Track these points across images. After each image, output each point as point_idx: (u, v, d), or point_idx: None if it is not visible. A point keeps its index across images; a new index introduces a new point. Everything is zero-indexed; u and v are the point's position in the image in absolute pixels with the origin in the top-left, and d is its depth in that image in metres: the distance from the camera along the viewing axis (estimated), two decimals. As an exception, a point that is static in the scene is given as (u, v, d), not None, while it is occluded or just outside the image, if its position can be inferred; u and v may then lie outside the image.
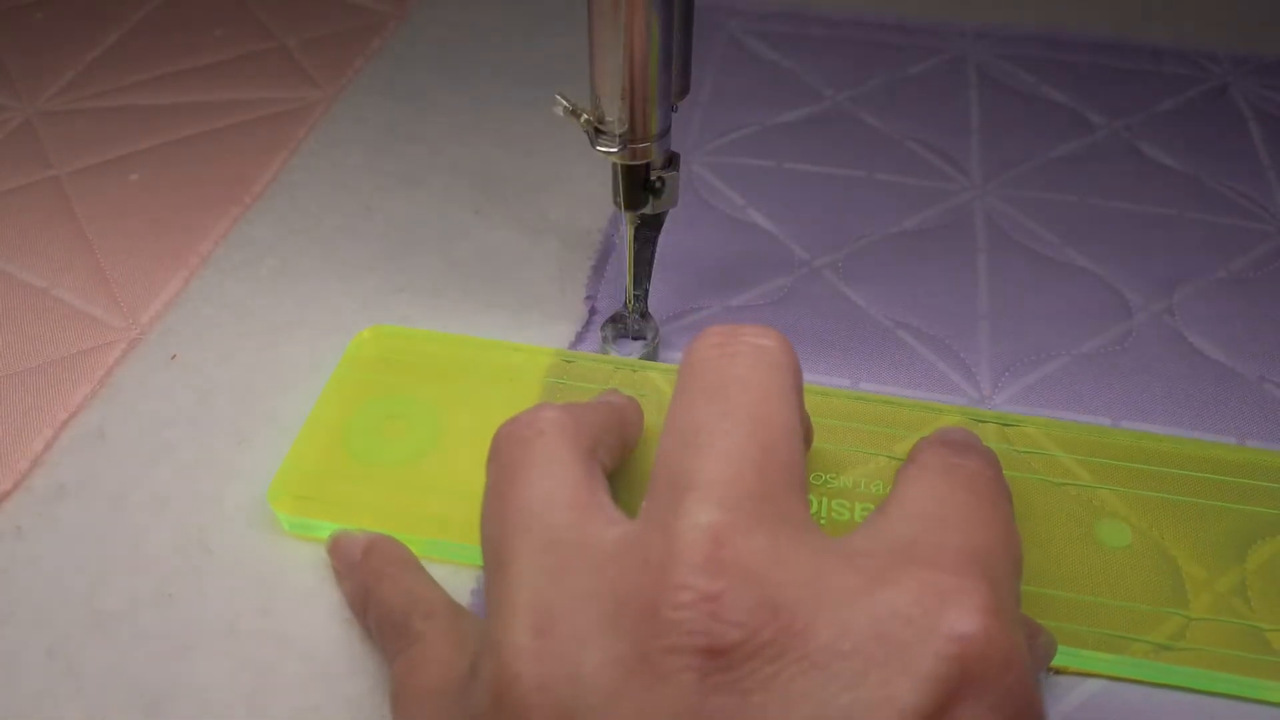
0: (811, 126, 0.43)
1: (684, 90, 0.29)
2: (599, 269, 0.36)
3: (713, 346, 0.21)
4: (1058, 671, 0.25)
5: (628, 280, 0.32)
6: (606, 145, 0.27)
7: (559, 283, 0.36)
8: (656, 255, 0.32)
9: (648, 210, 0.30)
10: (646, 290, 0.32)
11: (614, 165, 0.28)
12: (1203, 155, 0.42)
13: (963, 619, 0.17)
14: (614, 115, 0.27)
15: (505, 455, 0.21)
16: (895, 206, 0.39)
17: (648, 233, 0.31)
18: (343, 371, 0.31)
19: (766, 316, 0.35)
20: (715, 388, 0.20)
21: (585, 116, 0.27)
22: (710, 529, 0.17)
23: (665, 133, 0.28)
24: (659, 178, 0.30)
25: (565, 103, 0.27)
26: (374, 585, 0.25)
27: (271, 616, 0.26)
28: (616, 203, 0.30)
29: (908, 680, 0.16)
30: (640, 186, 0.29)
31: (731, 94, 0.45)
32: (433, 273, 0.36)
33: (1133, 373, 0.33)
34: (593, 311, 0.35)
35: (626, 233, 0.31)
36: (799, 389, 0.21)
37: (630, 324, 0.33)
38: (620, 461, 0.26)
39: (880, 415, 0.30)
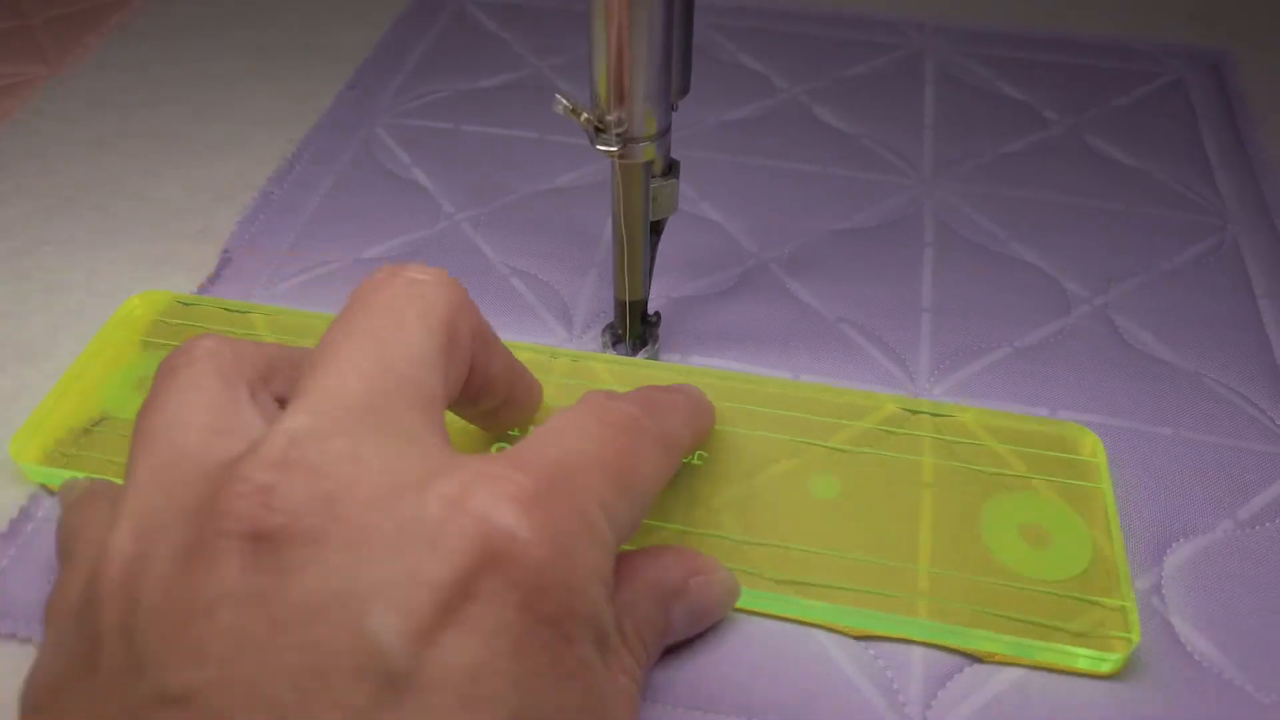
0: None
1: (684, 90, 0.29)
2: (245, 224, 0.38)
3: (370, 281, 0.22)
4: (745, 611, 0.26)
5: (623, 290, 0.32)
6: (606, 144, 0.27)
7: (204, 234, 0.38)
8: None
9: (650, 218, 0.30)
10: (646, 297, 0.32)
11: (613, 165, 0.28)
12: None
13: (492, 503, 0.18)
14: (614, 115, 0.27)
15: (155, 382, 0.22)
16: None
17: (648, 238, 0.31)
18: (107, 333, 0.33)
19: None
20: (352, 313, 0.21)
21: (585, 116, 0.27)
22: (290, 432, 0.18)
23: (665, 132, 0.28)
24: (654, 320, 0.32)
25: (565, 102, 0.27)
26: (66, 515, 0.25)
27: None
28: (618, 280, 0.31)
29: (434, 555, 0.17)
30: (640, 321, 0.31)
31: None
32: (94, 228, 0.38)
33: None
34: (225, 263, 0.36)
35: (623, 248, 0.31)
36: (449, 321, 0.22)
37: (629, 331, 0.33)
38: None
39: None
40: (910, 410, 0.30)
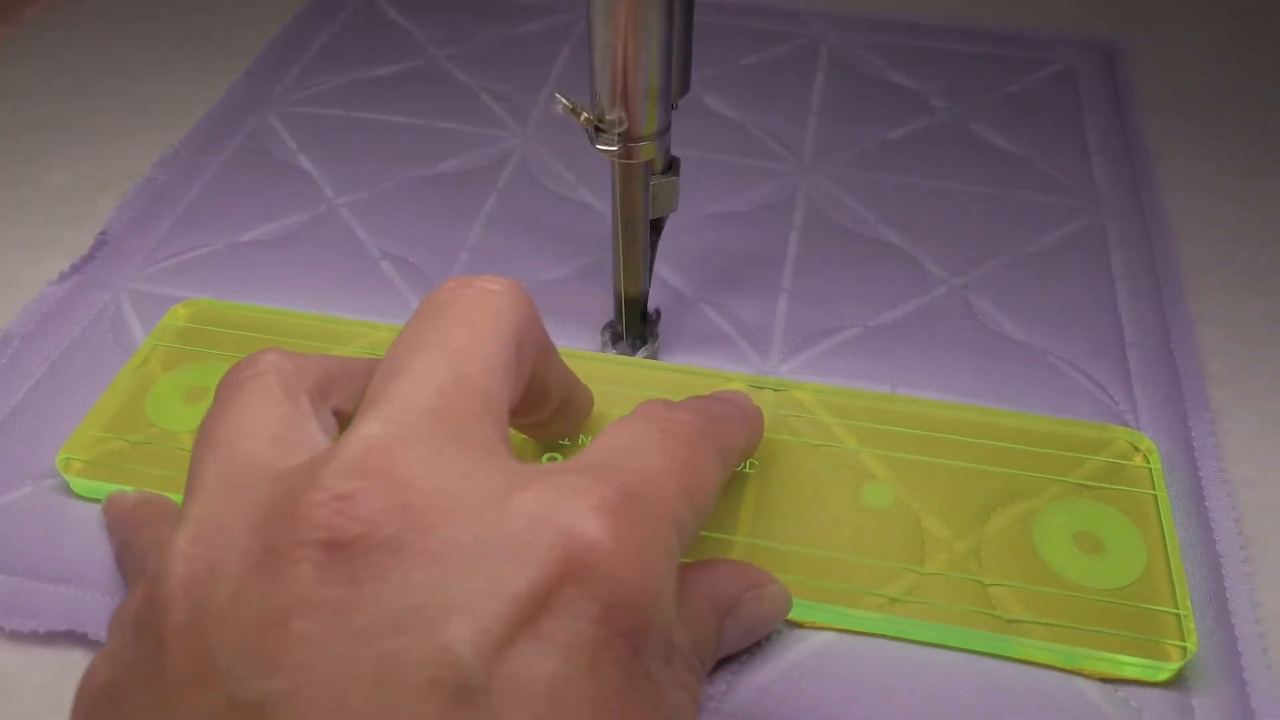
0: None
1: (684, 89, 0.29)
2: (125, 208, 0.39)
3: (443, 290, 0.22)
4: (796, 624, 0.26)
5: (622, 289, 0.32)
6: (606, 144, 0.27)
7: (85, 219, 0.39)
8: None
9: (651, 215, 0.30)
10: (646, 294, 0.32)
11: (613, 164, 0.28)
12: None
13: (575, 515, 0.18)
14: (614, 114, 0.27)
15: (220, 394, 0.22)
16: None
17: (649, 237, 0.31)
18: (153, 342, 0.32)
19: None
20: (426, 324, 0.21)
21: (585, 115, 0.27)
22: (368, 439, 0.18)
23: (665, 131, 0.28)
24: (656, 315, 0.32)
25: (565, 101, 0.27)
26: (133, 536, 0.26)
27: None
28: (616, 277, 0.31)
29: (515, 568, 0.17)
30: (640, 320, 0.31)
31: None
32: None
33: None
34: (99, 245, 0.37)
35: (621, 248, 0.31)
36: (518, 331, 0.22)
37: (626, 328, 0.33)
38: None
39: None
40: (756, 386, 0.31)
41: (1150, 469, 0.29)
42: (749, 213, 0.39)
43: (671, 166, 0.30)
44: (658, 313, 0.33)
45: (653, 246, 0.31)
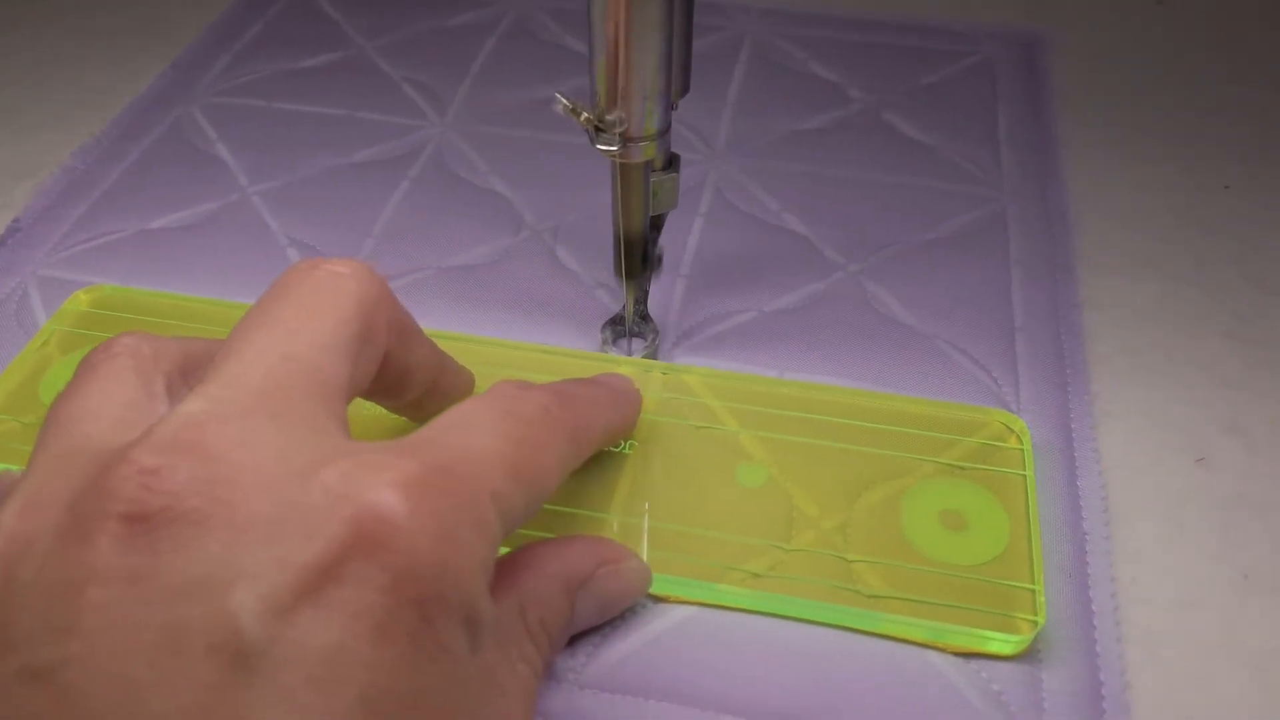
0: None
1: (684, 89, 0.29)
2: (41, 195, 0.39)
3: (291, 272, 0.22)
4: (659, 599, 0.27)
5: (625, 286, 0.32)
6: (606, 144, 0.27)
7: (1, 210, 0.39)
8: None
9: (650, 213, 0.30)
10: (646, 292, 0.33)
11: (613, 164, 0.28)
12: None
13: (372, 489, 0.18)
14: (614, 114, 0.27)
15: (76, 375, 0.22)
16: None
17: (649, 234, 0.31)
18: (50, 327, 0.33)
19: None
20: (267, 302, 0.21)
21: (585, 115, 0.27)
22: (185, 416, 0.19)
23: (665, 131, 0.28)
24: (657, 253, 0.31)
25: (565, 101, 0.27)
26: None
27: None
28: (617, 274, 0.31)
29: (305, 540, 0.17)
30: (640, 256, 0.31)
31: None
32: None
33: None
34: (11, 232, 0.37)
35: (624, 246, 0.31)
36: (364, 312, 0.22)
37: (629, 324, 0.33)
38: None
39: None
40: (644, 369, 0.31)
41: (1022, 450, 0.29)
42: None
43: (672, 163, 0.30)
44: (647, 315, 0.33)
45: (653, 243, 0.31)
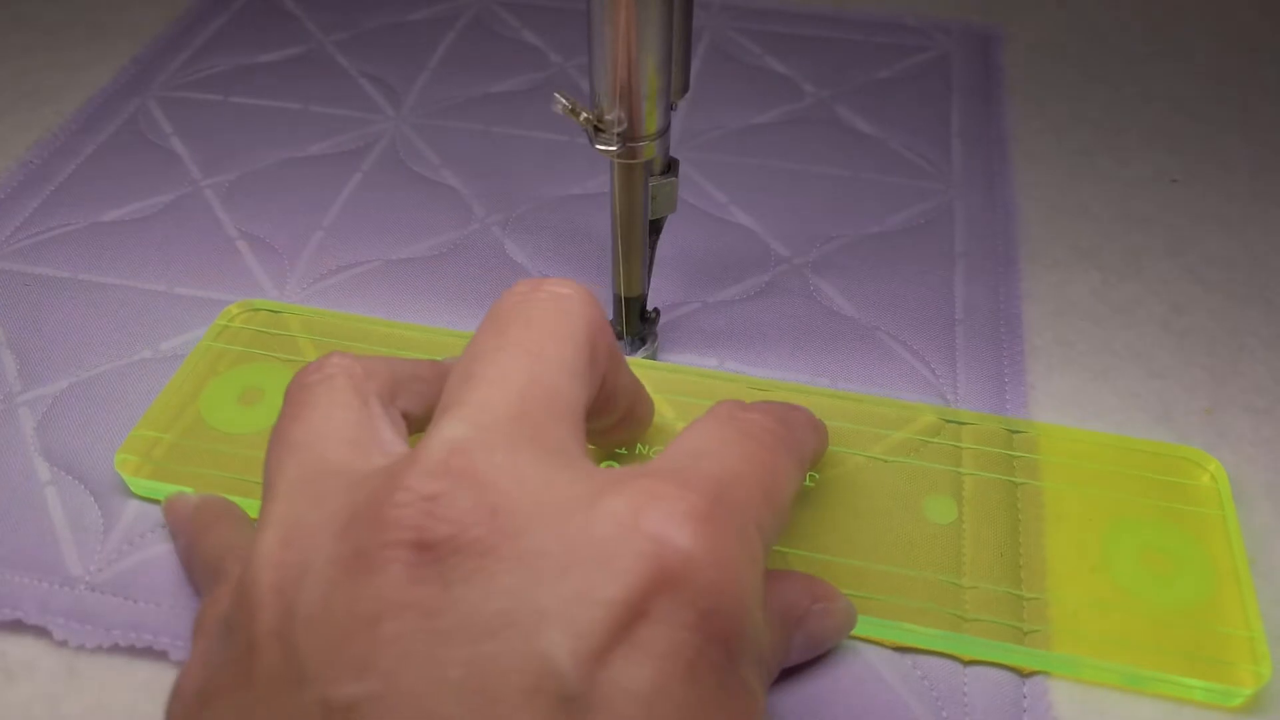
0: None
1: (684, 88, 0.29)
2: None
3: (513, 294, 0.22)
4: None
5: (621, 286, 0.32)
6: (606, 144, 0.27)
7: None
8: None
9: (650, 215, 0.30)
10: (645, 295, 0.32)
11: (613, 164, 0.28)
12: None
13: (665, 521, 0.17)
14: (613, 113, 0.27)
15: (291, 398, 0.22)
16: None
17: (649, 238, 0.31)
18: (205, 344, 0.32)
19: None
20: (501, 327, 0.21)
21: (585, 115, 0.27)
22: (451, 441, 0.18)
23: (665, 131, 0.28)
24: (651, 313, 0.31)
25: (564, 101, 0.27)
26: (198, 538, 0.26)
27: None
28: (615, 279, 0.31)
29: (606, 575, 0.17)
30: (640, 260, 0.30)
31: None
32: None
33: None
34: None
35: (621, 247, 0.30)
36: (591, 336, 0.22)
37: (636, 329, 0.33)
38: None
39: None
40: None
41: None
42: (597, 196, 0.40)
43: (671, 167, 0.30)
44: (656, 312, 0.33)
45: (652, 246, 0.31)
